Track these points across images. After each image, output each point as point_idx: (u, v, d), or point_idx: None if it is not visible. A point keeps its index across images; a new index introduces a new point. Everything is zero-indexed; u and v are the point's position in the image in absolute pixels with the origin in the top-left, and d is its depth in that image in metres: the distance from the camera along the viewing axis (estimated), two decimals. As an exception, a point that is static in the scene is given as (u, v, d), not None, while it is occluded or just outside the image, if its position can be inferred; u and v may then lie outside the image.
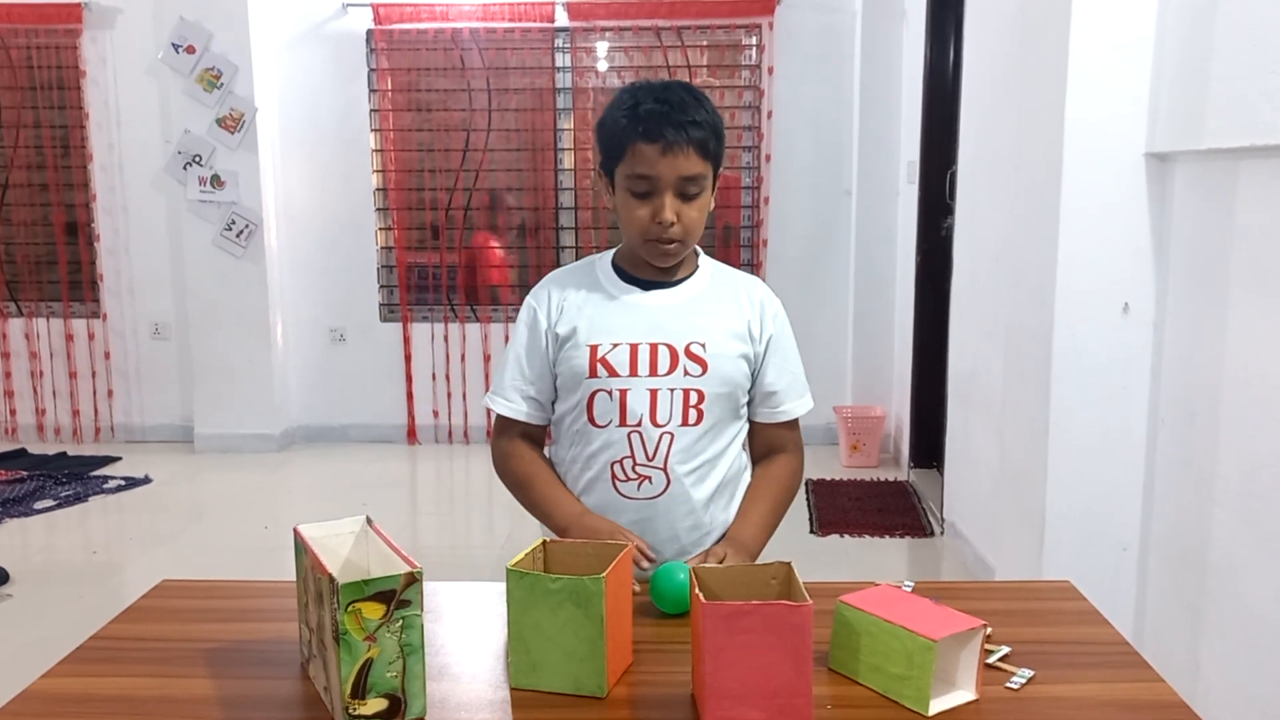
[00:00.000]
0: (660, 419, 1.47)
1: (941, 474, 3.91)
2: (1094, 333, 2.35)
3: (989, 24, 3.38)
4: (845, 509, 4.08)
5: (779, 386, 1.55)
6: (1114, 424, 2.37)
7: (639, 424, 1.46)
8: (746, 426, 1.59)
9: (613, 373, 1.46)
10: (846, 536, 3.78)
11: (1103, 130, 2.29)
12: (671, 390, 1.47)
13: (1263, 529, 1.91)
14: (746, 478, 1.59)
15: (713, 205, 1.50)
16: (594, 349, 1.47)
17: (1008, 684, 1.12)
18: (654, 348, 1.47)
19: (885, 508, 4.11)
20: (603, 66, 5.09)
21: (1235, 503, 2.01)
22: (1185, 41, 2.16)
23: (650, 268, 1.51)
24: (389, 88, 5.10)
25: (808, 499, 4.19)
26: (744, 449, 1.60)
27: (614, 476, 1.48)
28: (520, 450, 1.55)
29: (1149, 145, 2.27)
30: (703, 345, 1.48)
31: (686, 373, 1.47)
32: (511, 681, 1.14)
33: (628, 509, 1.48)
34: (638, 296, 1.51)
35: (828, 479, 4.47)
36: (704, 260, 1.58)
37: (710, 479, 1.51)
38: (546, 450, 1.60)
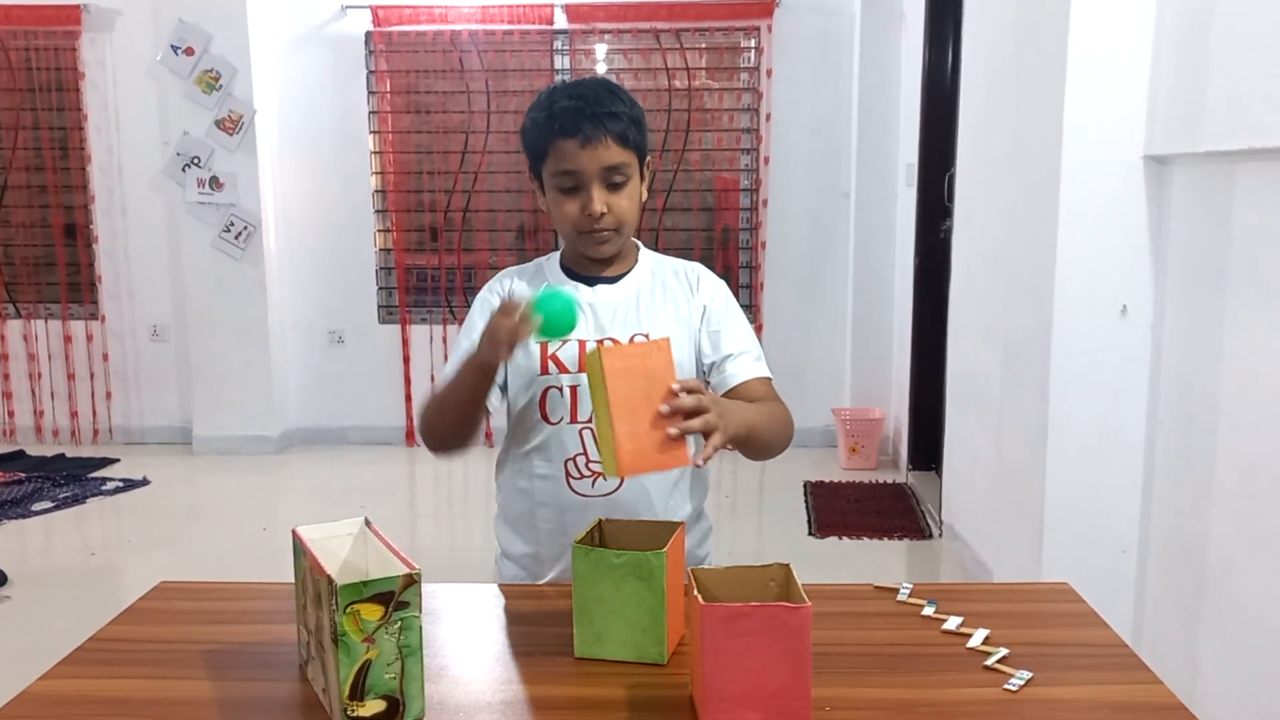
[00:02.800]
0: None
1: (940, 476, 3.91)
2: (1092, 335, 2.36)
3: (987, 27, 3.39)
4: (844, 511, 4.08)
5: (728, 349, 1.51)
6: (1112, 426, 2.38)
7: (590, 420, 1.46)
8: None
9: (563, 369, 1.47)
10: (845, 538, 3.78)
11: (1101, 133, 2.30)
12: None
13: (1260, 531, 1.91)
14: (705, 474, 1.58)
15: (645, 196, 1.51)
16: (544, 346, 1.48)
17: (1006, 685, 1.12)
18: (600, 344, 1.47)
19: (884, 510, 4.11)
20: (601, 69, 5.09)
21: (1233, 505, 2.01)
22: (1183, 44, 2.16)
23: (595, 264, 1.53)
24: (388, 90, 5.10)
25: (806, 501, 4.19)
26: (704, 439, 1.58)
27: (568, 474, 1.48)
28: None
29: (1147, 148, 2.28)
30: (646, 335, 1.49)
31: None
32: (576, 651, 1.18)
33: (583, 506, 1.47)
34: (583, 292, 1.52)
35: (826, 481, 4.47)
36: (644, 253, 1.59)
37: (670, 473, 1.50)
38: (493, 447, 1.59)
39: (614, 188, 1.45)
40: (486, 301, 1.57)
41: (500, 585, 1.42)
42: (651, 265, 1.57)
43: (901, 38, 4.64)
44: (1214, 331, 2.09)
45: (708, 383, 1.54)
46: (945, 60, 4.15)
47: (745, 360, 1.53)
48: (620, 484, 1.47)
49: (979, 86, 3.45)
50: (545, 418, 1.49)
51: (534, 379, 1.49)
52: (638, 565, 1.15)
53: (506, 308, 1.29)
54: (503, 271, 1.62)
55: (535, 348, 1.48)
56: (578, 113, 1.41)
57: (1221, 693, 2.03)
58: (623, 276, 1.54)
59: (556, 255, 1.59)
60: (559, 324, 1.29)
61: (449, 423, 1.47)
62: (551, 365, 1.48)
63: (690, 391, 1.20)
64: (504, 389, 1.53)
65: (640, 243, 1.60)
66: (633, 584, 1.16)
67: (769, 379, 1.55)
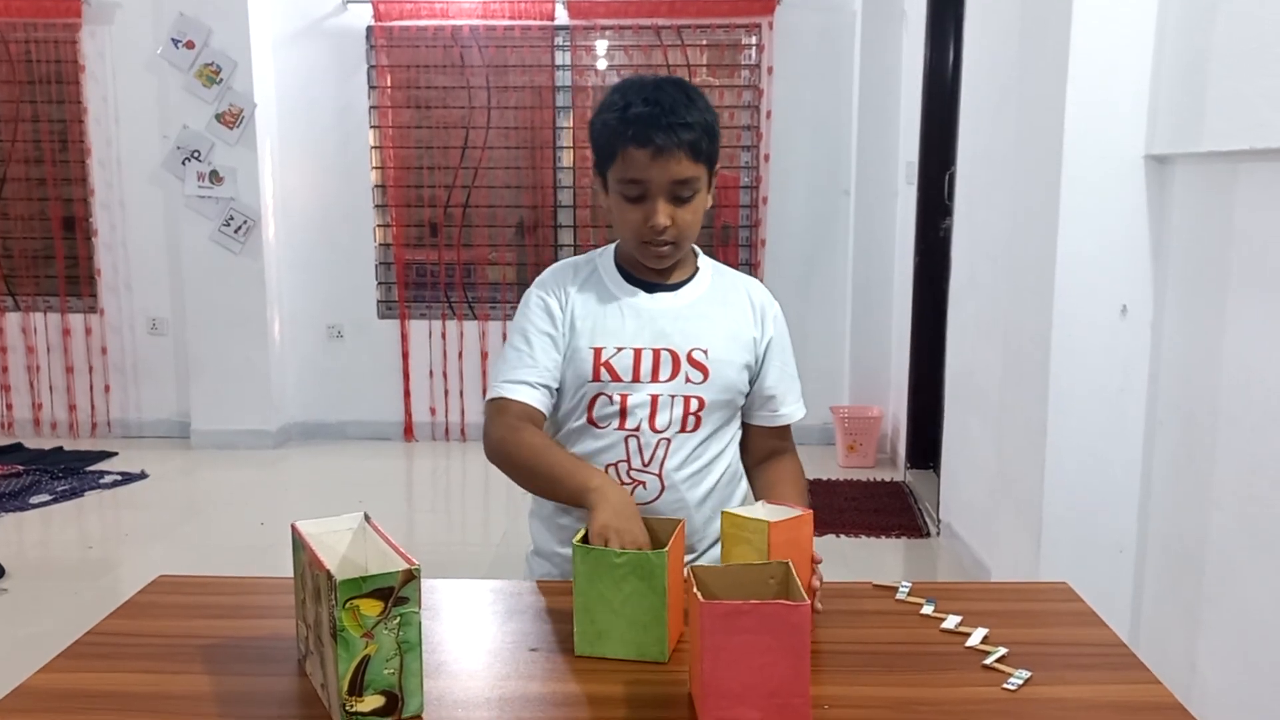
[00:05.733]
0: (659, 425, 1.46)
1: (938, 475, 3.91)
2: (1092, 334, 2.35)
3: (989, 25, 3.39)
4: (841, 509, 4.08)
5: (778, 390, 1.54)
6: (1111, 425, 2.37)
7: (637, 429, 1.46)
8: (740, 430, 1.58)
9: (615, 377, 1.45)
10: (843, 536, 3.78)
11: (1102, 132, 2.29)
12: (673, 397, 1.46)
13: (1260, 531, 1.91)
14: (741, 483, 1.58)
15: (710, 203, 1.49)
16: (598, 352, 1.46)
17: (1004, 685, 1.12)
18: (656, 354, 1.46)
19: (881, 508, 4.11)
20: (602, 65, 5.09)
21: (1233, 505, 2.01)
22: (1185, 43, 2.16)
23: (650, 269, 1.51)
24: (388, 84, 5.10)
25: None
26: (736, 457, 1.59)
27: None
28: (527, 425, 1.45)
29: (1148, 147, 2.27)
30: (705, 352, 1.47)
31: (688, 379, 1.46)
32: (577, 650, 1.18)
33: None
34: (641, 299, 1.50)
35: (824, 479, 4.47)
36: (704, 261, 1.57)
37: (705, 483, 1.50)
38: None
39: (680, 201, 1.41)
40: (544, 302, 1.50)
41: (500, 581, 1.42)
42: (711, 275, 1.55)
43: (903, 35, 4.63)
44: (1215, 331, 2.09)
45: (749, 402, 1.55)
46: (946, 58, 4.14)
47: (784, 405, 1.55)
48: (660, 494, 1.47)
49: (980, 85, 3.45)
50: (593, 423, 1.48)
51: (584, 384, 1.47)
52: (639, 565, 1.15)
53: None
54: (554, 267, 1.56)
55: (589, 352, 1.47)
56: (652, 121, 1.36)
57: (1219, 693, 2.03)
58: (682, 285, 1.52)
59: (610, 252, 1.55)
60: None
61: (527, 486, 1.47)
62: (604, 372, 1.46)
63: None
64: (558, 391, 1.51)
65: (698, 249, 1.56)
66: (634, 583, 1.16)
67: (789, 426, 1.58)
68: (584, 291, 1.51)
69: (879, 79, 4.74)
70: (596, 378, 1.46)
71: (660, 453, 1.46)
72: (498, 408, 1.47)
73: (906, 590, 1.37)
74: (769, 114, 4.95)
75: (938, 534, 3.80)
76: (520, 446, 1.43)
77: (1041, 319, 2.42)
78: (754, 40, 4.99)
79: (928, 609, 1.31)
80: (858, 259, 4.92)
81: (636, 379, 1.45)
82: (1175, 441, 2.26)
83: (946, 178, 3.94)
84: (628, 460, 1.47)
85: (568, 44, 5.00)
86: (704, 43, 5.04)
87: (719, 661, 1.01)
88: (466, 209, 5.13)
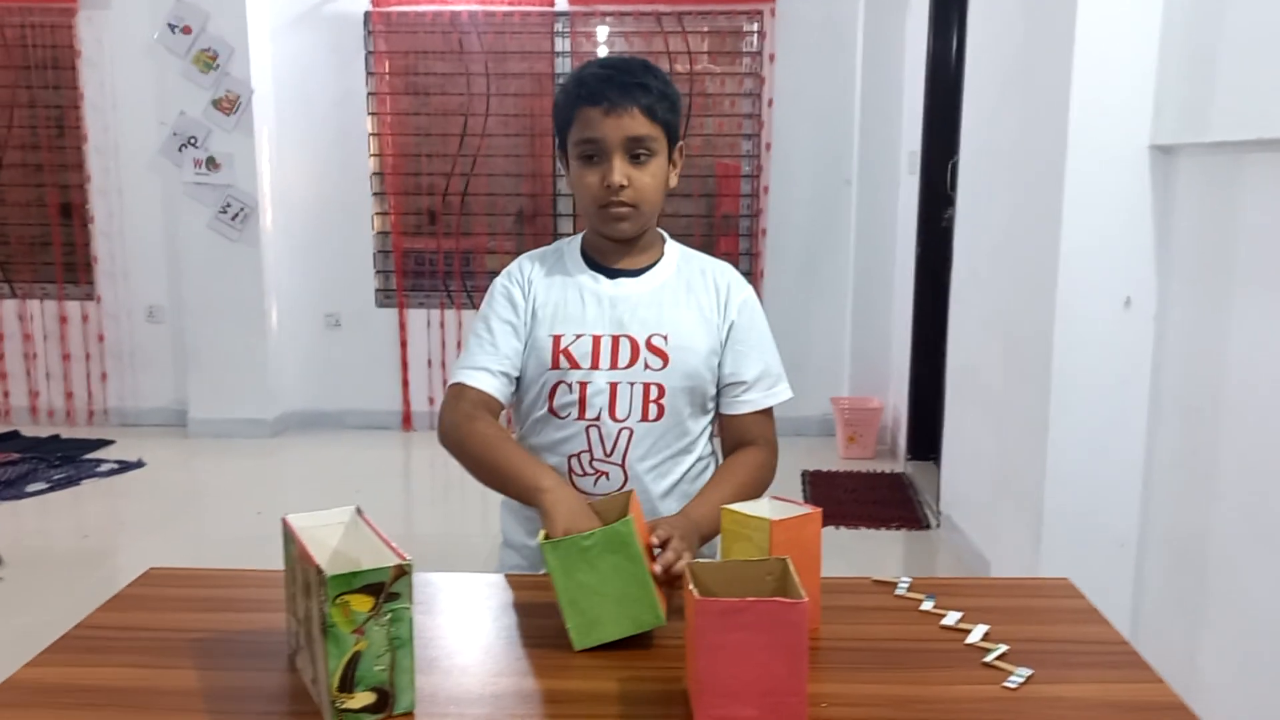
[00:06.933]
0: (619, 414, 1.44)
1: (938, 466, 3.90)
2: (1095, 326, 2.34)
3: (993, 13, 3.35)
4: (841, 500, 4.07)
5: (744, 376, 1.50)
6: (1113, 419, 2.36)
7: (597, 418, 1.44)
8: (712, 420, 1.55)
9: (574, 364, 1.44)
10: (842, 528, 3.77)
11: (1107, 122, 2.27)
12: (631, 384, 1.44)
13: (1263, 526, 1.90)
14: (708, 477, 1.54)
15: (674, 180, 1.47)
16: (557, 339, 1.45)
17: (1005, 683, 1.11)
18: (615, 340, 1.44)
19: (881, 500, 4.10)
20: (603, 52, 5.05)
21: (1236, 499, 2.00)
22: (1192, 32, 2.13)
23: (616, 253, 1.48)
24: (387, 71, 5.06)
25: (804, 490, 4.18)
26: (711, 443, 1.57)
27: (571, 471, 1.46)
28: (482, 414, 1.44)
29: (1153, 137, 2.25)
30: (664, 338, 1.45)
31: (647, 366, 1.44)
32: (575, 645, 1.16)
33: None
34: (603, 285, 1.48)
35: (824, 470, 4.45)
36: (670, 246, 1.54)
37: (671, 475, 1.48)
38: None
39: (637, 160, 1.40)
40: (507, 290, 1.50)
41: (495, 575, 1.40)
42: (678, 261, 1.52)
43: (905, 23, 4.60)
44: (1219, 324, 2.07)
45: (719, 391, 1.51)
46: (950, 46, 4.11)
47: (757, 390, 1.50)
48: (623, 485, 1.45)
49: (984, 73, 3.42)
50: (554, 412, 1.46)
51: (544, 372, 1.45)
52: (609, 539, 1.16)
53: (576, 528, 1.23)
54: (522, 256, 1.56)
55: (549, 340, 1.45)
56: (605, 80, 1.38)
57: (1220, 689, 2.02)
58: (646, 270, 1.49)
59: (578, 240, 1.54)
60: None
61: (478, 476, 1.44)
62: (562, 360, 1.44)
63: (664, 544, 1.23)
64: (519, 380, 1.50)
65: (666, 234, 1.55)
66: (609, 560, 1.16)
67: (770, 411, 1.53)
68: (547, 278, 1.50)
69: (882, 67, 4.71)
70: (555, 365, 1.44)
71: (622, 443, 1.44)
72: (454, 393, 1.46)
73: (906, 586, 1.35)
74: (770, 102, 4.92)
75: (938, 526, 3.79)
76: (473, 435, 1.42)
77: (1044, 310, 2.40)
78: (756, 27, 4.96)
79: (927, 605, 1.30)
80: (859, 249, 4.89)
81: (595, 366, 1.44)
82: (1178, 435, 2.25)
83: (949, 167, 3.91)
84: (590, 450, 1.45)
85: (568, 30, 4.96)
86: (705, 30, 5.00)
87: (715, 659, 1.00)
88: (465, 197, 5.10)
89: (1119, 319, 2.32)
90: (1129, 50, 2.24)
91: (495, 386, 1.46)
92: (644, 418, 1.44)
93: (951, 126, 3.80)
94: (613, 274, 1.48)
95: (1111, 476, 2.37)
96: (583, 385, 1.43)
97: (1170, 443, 2.28)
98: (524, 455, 1.41)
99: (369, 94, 5.04)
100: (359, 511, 1.17)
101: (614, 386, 1.43)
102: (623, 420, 1.44)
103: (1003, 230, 2.98)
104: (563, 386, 1.44)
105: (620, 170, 1.39)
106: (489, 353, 1.46)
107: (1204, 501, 2.11)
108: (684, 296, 1.49)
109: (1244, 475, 1.97)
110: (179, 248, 5.00)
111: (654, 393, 1.44)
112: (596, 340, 1.44)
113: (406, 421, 5.23)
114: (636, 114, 1.38)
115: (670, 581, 1.22)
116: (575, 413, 1.44)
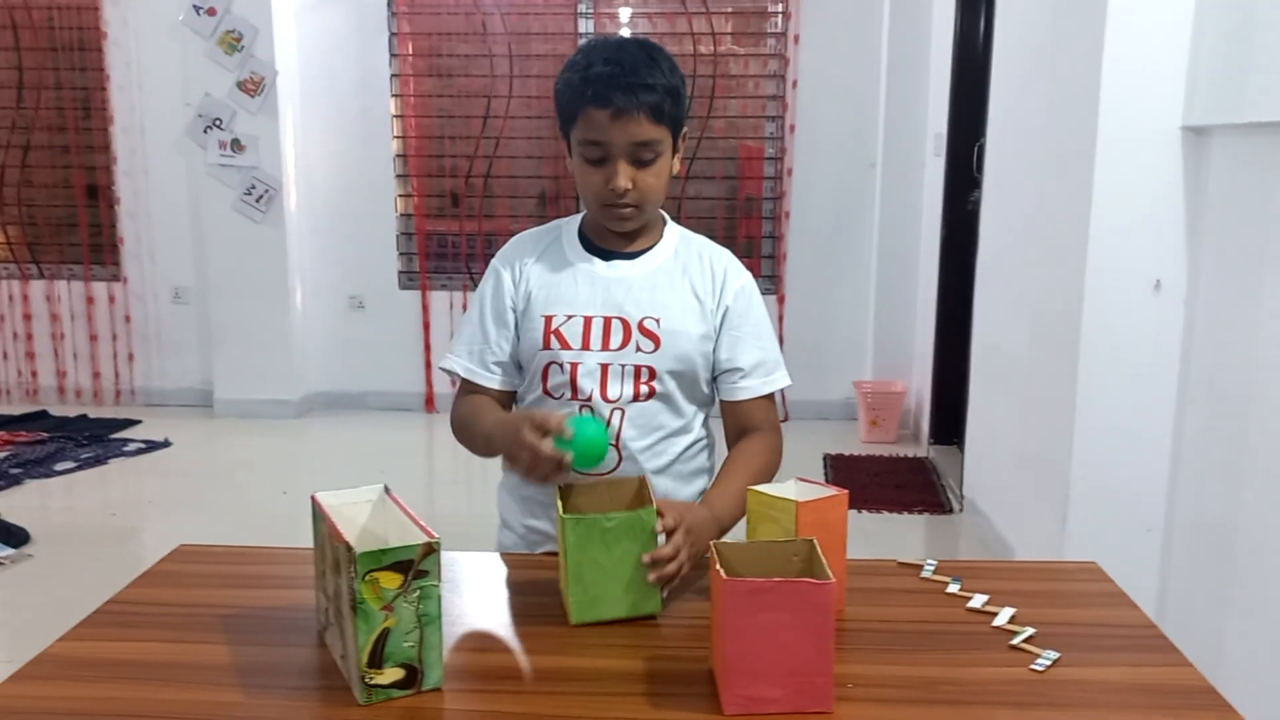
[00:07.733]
0: (611, 394, 1.43)
1: (962, 451, 3.87)
2: (1124, 309, 2.31)
3: (1022, -8, 3.31)
4: (863, 484, 4.06)
5: (740, 363, 1.48)
6: (1142, 402, 2.34)
7: (589, 399, 1.43)
8: (711, 405, 1.54)
9: (565, 345, 1.43)
10: (864, 512, 3.76)
11: (1138, 102, 2.24)
12: (623, 366, 1.43)
13: (1293, 512, 1.88)
14: (704, 459, 1.54)
15: (676, 169, 1.46)
16: (548, 320, 1.44)
17: (1033, 666, 1.10)
18: (607, 321, 1.43)
19: (904, 484, 4.08)
20: (626, 34, 5.03)
21: (1264, 484, 1.98)
22: (1227, 9, 2.09)
23: (613, 236, 1.47)
24: (410, 52, 5.06)
25: (825, 474, 4.17)
26: (707, 426, 1.56)
27: None
28: (464, 399, 1.50)
29: (1186, 118, 2.22)
30: (657, 321, 1.44)
31: (639, 348, 1.43)
32: (572, 619, 1.18)
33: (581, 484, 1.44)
34: (597, 267, 1.47)
35: (846, 454, 4.44)
36: (670, 229, 1.52)
37: (665, 454, 1.47)
38: None
39: (642, 164, 1.39)
40: (498, 272, 1.51)
41: (520, 555, 1.41)
42: (675, 244, 1.51)
43: (932, 3, 4.54)
44: (1250, 308, 2.04)
45: (714, 379, 1.51)
46: (977, 26, 4.06)
47: (755, 377, 1.48)
48: (618, 465, 1.44)
49: (1012, 54, 3.38)
50: (548, 393, 1.46)
51: (537, 353, 1.45)
52: (631, 525, 1.17)
53: (538, 434, 1.24)
54: (517, 236, 1.56)
55: (540, 320, 1.45)
56: (611, 81, 1.34)
57: (1248, 673, 2.00)
58: (642, 253, 1.49)
59: (576, 221, 1.53)
60: (590, 455, 1.27)
61: (478, 452, 1.47)
62: (554, 340, 1.44)
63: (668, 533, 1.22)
64: (518, 365, 1.50)
65: (667, 215, 1.54)
66: (625, 544, 1.17)
67: (772, 396, 1.51)
68: (541, 260, 1.50)
69: (908, 48, 4.66)
70: (547, 345, 1.44)
71: (615, 423, 1.44)
72: (460, 387, 1.53)
73: (932, 568, 1.34)
74: (795, 84, 4.88)
75: (960, 510, 3.77)
76: (457, 419, 1.51)
77: (1072, 293, 2.38)
78: (780, 8, 4.92)
79: (954, 588, 1.29)
80: (883, 232, 4.86)
81: (586, 347, 1.43)
82: (1206, 419, 2.22)
83: (975, 149, 3.87)
84: None
85: (591, 11, 4.94)
86: (729, 11, 4.96)
87: (741, 639, 1.00)
88: (488, 179, 5.10)
89: (1149, 302, 2.30)
90: (1162, 29, 2.20)
91: (489, 376, 1.50)
92: (635, 398, 1.44)
93: (978, 108, 3.75)
94: (608, 255, 1.48)
95: (1139, 461, 2.35)
96: (574, 366, 1.43)
97: (1199, 427, 2.26)
98: (484, 415, 1.45)
99: (392, 75, 5.04)
100: (387, 490, 1.17)
101: (605, 368, 1.43)
102: (614, 401, 1.44)
103: (1031, 213, 2.95)
104: (554, 367, 1.45)
105: (625, 175, 1.38)
106: (486, 339, 1.50)
107: (1232, 486, 2.09)
108: (679, 280, 1.48)
109: (1273, 460, 1.95)
110: (204, 229, 5.03)
111: (645, 375, 1.44)
112: (587, 321, 1.44)
113: (429, 403, 5.25)
114: (643, 119, 1.36)
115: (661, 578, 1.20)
116: (568, 393, 1.44)
